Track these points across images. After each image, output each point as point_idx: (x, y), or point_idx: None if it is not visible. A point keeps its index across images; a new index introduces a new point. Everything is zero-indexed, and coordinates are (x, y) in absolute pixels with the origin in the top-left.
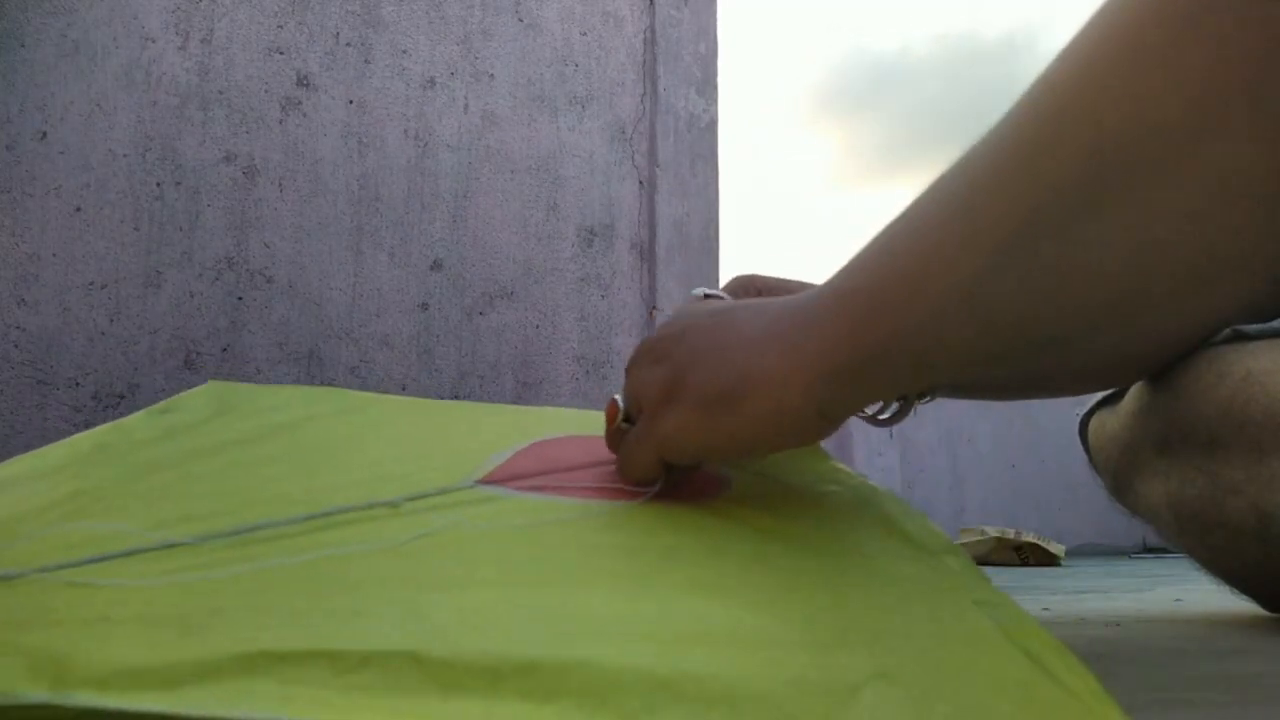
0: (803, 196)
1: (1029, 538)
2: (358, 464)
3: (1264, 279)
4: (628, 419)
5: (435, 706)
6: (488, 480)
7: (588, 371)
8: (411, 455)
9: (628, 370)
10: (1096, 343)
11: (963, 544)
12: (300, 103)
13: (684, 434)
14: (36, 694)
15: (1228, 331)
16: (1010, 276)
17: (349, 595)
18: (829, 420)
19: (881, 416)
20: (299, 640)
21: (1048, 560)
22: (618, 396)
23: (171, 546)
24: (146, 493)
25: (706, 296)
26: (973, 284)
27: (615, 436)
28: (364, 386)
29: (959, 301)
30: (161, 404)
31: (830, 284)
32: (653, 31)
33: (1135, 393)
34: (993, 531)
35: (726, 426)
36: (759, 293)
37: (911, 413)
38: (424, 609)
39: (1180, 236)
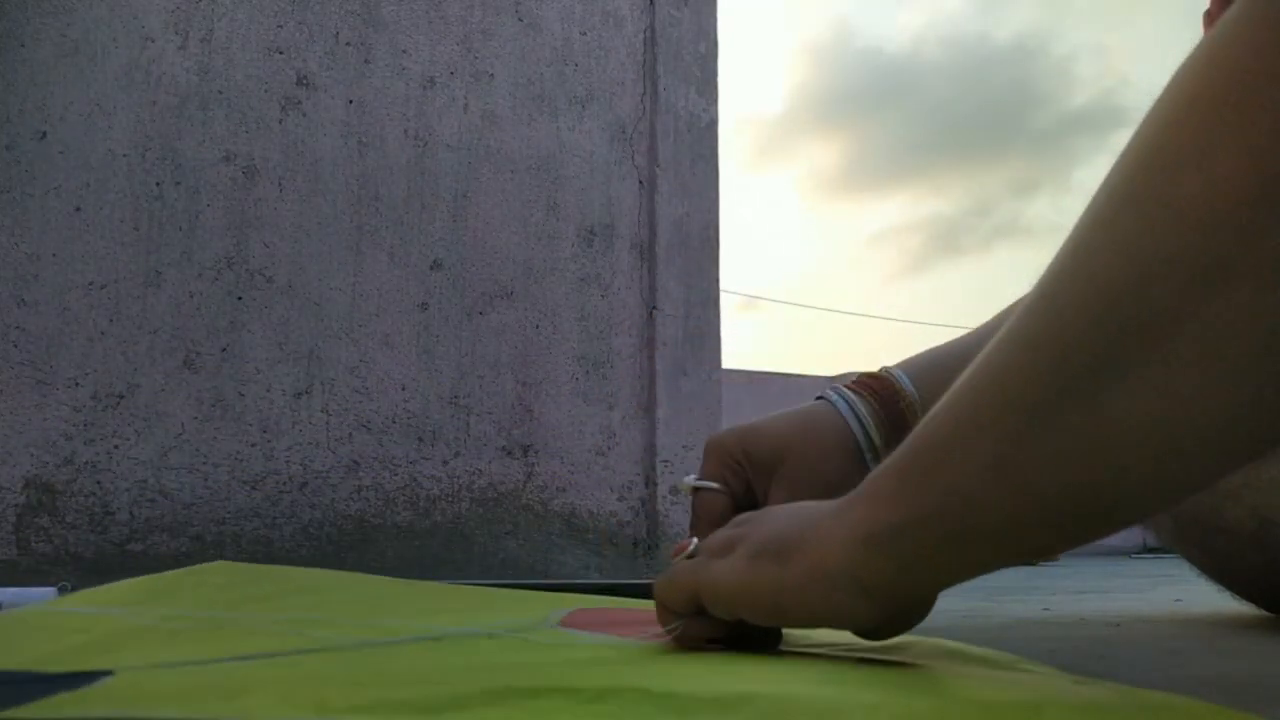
0: (808, 199)
1: None
2: (424, 610)
3: None
4: (691, 557)
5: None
6: (563, 625)
7: (588, 371)
8: (468, 609)
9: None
10: (1145, 506)
11: None
12: (300, 103)
13: (727, 576)
14: (303, 715)
15: None
16: (1041, 443)
17: (538, 663)
18: (871, 599)
19: None
20: (537, 680)
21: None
22: (695, 541)
23: (363, 646)
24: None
25: (696, 490)
26: (1002, 451)
27: (673, 564)
28: (364, 386)
29: (988, 468)
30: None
31: (886, 462)
32: (653, 31)
33: None
34: None
35: (767, 577)
36: (732, 452)
37: None
38: (618, 670)
39: (1202, 398)
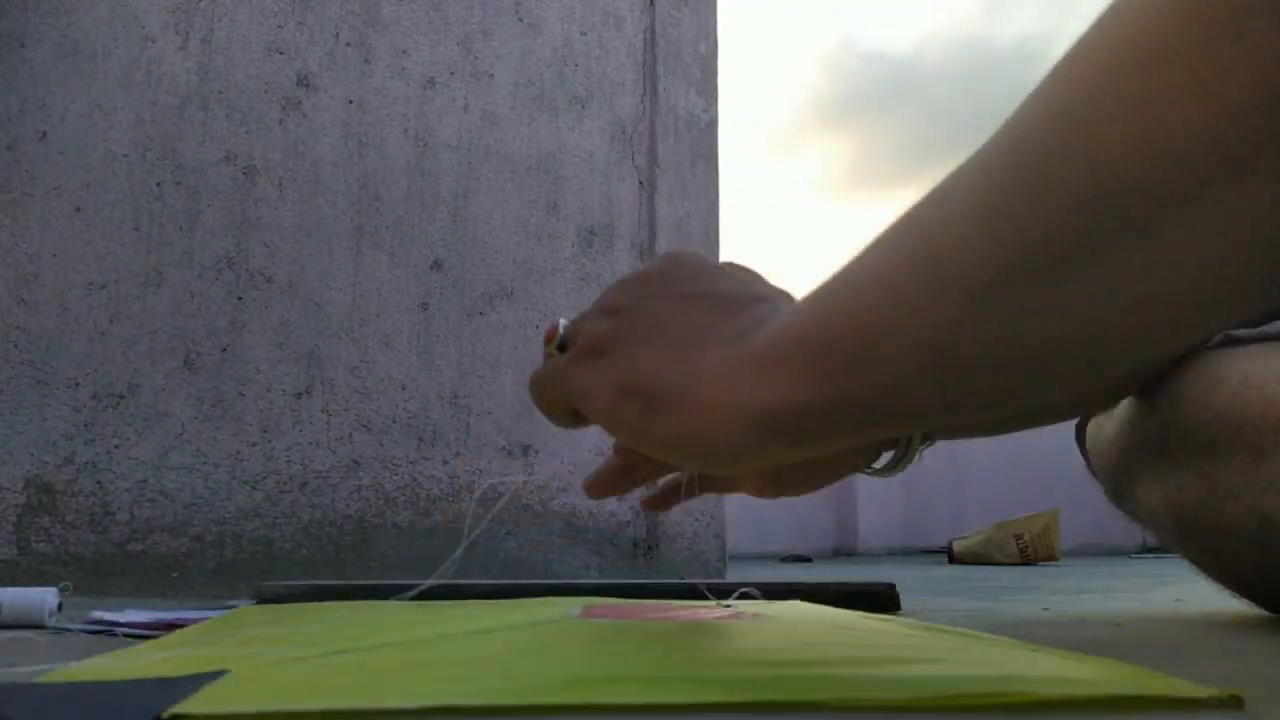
0: (811, 201)
1: (1024, 522)
2: (445, 621)
3: (1261, 308)
4: (562, 348)
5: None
6: (582, 616)
7: None
8: (490, 614)
9: (588, 309)
10: (1079, 386)
11: (963, 540)
12: (300, 103)
13: (592, 400)
14: (437, 701)
15: (1220, 336)
16: (984, 330)
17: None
18: (739, 465)
19: (876, 466)
20: (602, 669)
21: (1048, 555)
22: (563, 321)
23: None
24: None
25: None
26: (939, 338)
27: (546, 359)
28: (364, 386)
29: (922, 358)
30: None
31: (789, 317)
32: (653, 31)
33: (1131, 398)
34: (987, 527)
35: (631, 421)
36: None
37: (915, 460)
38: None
39: (1182, 285)
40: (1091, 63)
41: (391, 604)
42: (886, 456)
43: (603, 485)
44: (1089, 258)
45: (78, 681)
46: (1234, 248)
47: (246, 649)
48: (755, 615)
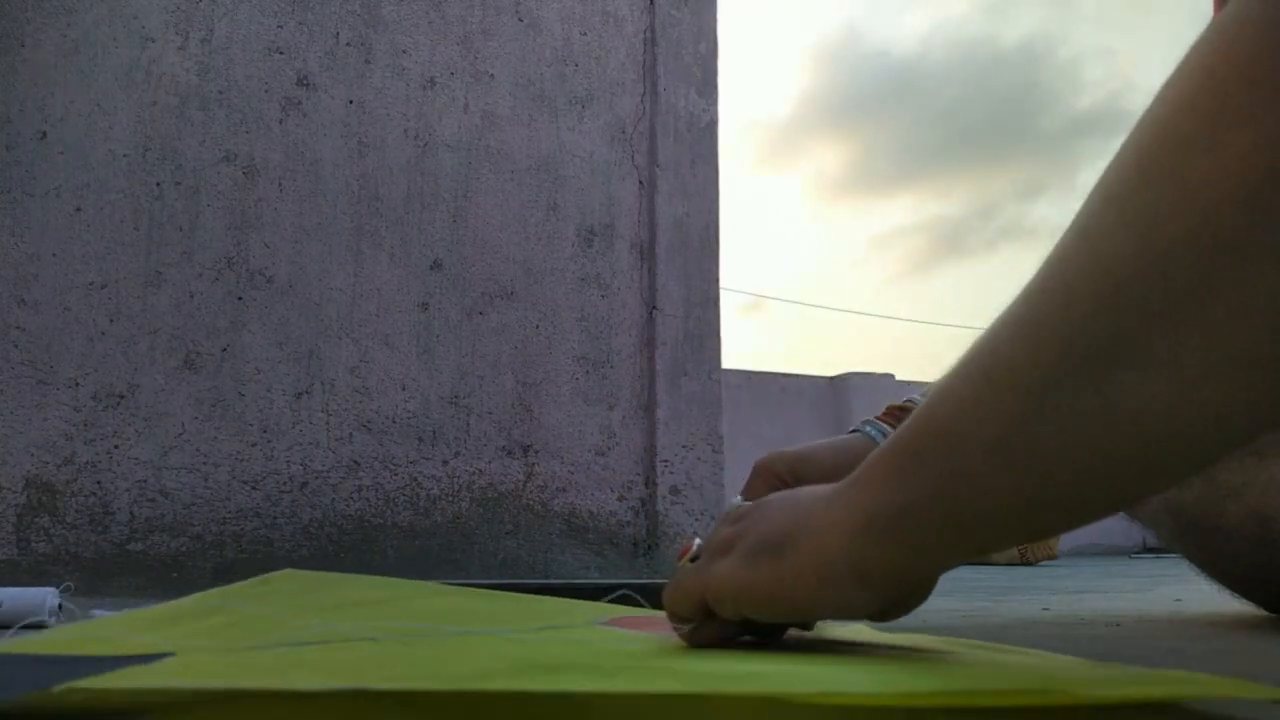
0: (814, 201)
1: None
2: (475, 615)
3: None
4: (695, 559)
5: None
6: (606, 624)
7: (588, 371)
8: (517, 615)
9: (716, 527)
10: (1150, 486)
11: None
12: (300, 103)
13: (728, 577)
14: (340, 685)
15: None
16: (1045, 424)
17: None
18: (869, 585)
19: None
20: (563, 659)
21: (1046, 554)
22: (698, 540)
23: (357, 640)
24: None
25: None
26: (1005, 432)
27: (677, 570)
28: (364, 386)
29: (991, 450)
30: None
31: (877, 450)
32: (653, 31)
33: None
34: None
35: (767, 574)
36: (782, 477)
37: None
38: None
39: (1221, 370)
40: (1102, 181)
41: (423, 590)
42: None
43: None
44: (1122, 355)
45: (12, 654)
46: (1254, 332)
47: (219, 632)
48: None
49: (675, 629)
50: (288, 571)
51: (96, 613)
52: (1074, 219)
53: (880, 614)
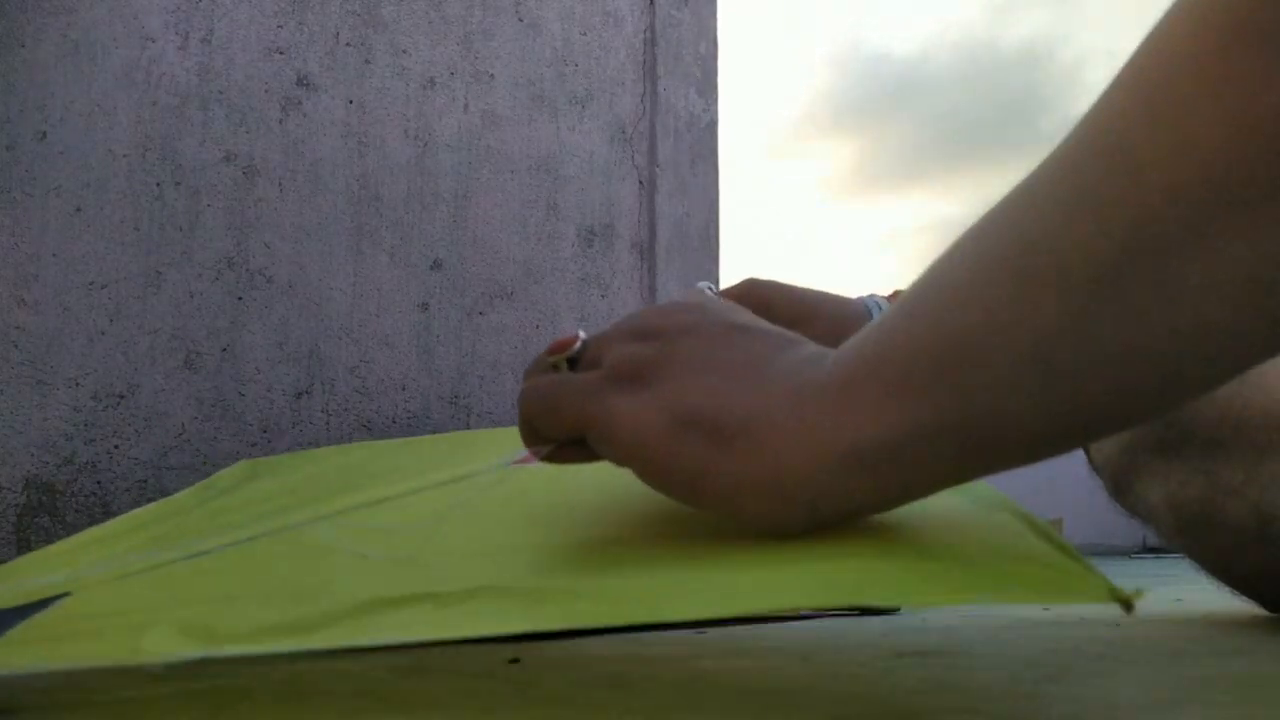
0: (818, 202)
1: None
2: (392, 472)
3: None
4: (572, 363)
5: (530, 613)
6: (518, 464)
7: None
8: (443, 459)
9: (616, 324)
10: (1194, 392)
11: None
12: (300, 103)
13: (632, 428)
14: (194, 652)
15: None
16: (1088, 330)
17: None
18: (816, 516)
19: None
20: (405, 588)
21: None
22: (581, 333)
23: (254, 539)
24: (217, 516)
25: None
26: (1045, 338)
27: (540, 367)
28: (364, 386)
29: (1026, 365)
30: (203, 482)
31: (864, 341)
32: (653, 31)
33: None
34: None
35: (693, 461)
36: (765, 303)
37: None
38: (499, 557)
39: None
40: (1175, 37)
41: (355, 449)
42: None
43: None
44: (1193, 247)
45: None
46: None
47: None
48: None
49: (528, 442)
50: (243, 463)
51: None
52: (1128, 83)
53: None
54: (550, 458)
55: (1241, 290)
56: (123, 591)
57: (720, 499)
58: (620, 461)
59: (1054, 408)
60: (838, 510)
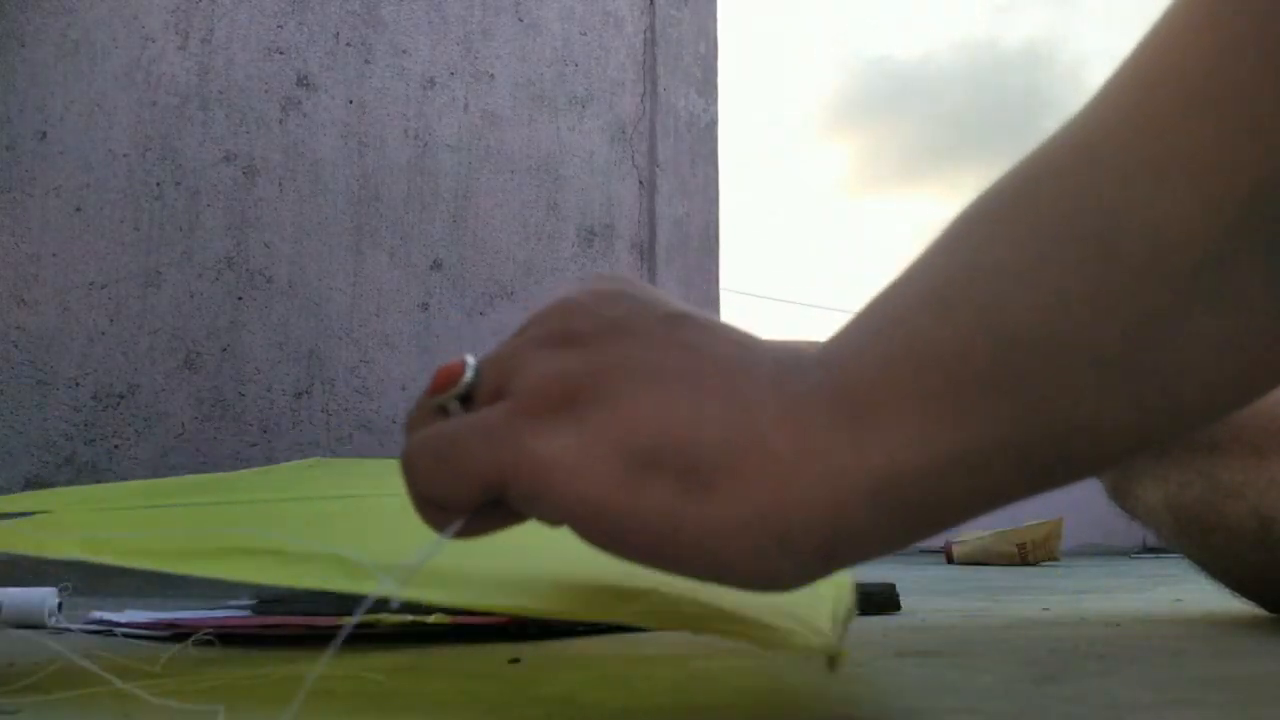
0: (821, 202)
1: (1027, 531)
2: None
3: None
4: (467, 399)
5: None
6: None
7: None
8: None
9: (517, 333)
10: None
11: (962, 544)
12: (300, 103)
13: (573, 479)
14: (73, 555)
15: None
16: (1193, 313)
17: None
18: (833, 560)
19: None
20: (268, 543)
21: (1049, 556)
22: (470, 359)
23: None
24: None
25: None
26: (1132, 332)
27: (423, 413)
28: (364, 386)
29: (1117, 363)
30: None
31: (864, 353)
32: (653, 31)
33: None
34: (987, 534)
35: (657, 509)
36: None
37: None
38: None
39: None
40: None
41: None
42: None
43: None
44: None
45: None
46: None
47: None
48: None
49: (426, 518)
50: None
51: (96, 613)
52: (1229, 44)
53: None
54: (464, 534)
55: None
56: (75, 517)
57: (699, 560)
58: (557, 521)
59: (1142, 415)
60: (856, 558)
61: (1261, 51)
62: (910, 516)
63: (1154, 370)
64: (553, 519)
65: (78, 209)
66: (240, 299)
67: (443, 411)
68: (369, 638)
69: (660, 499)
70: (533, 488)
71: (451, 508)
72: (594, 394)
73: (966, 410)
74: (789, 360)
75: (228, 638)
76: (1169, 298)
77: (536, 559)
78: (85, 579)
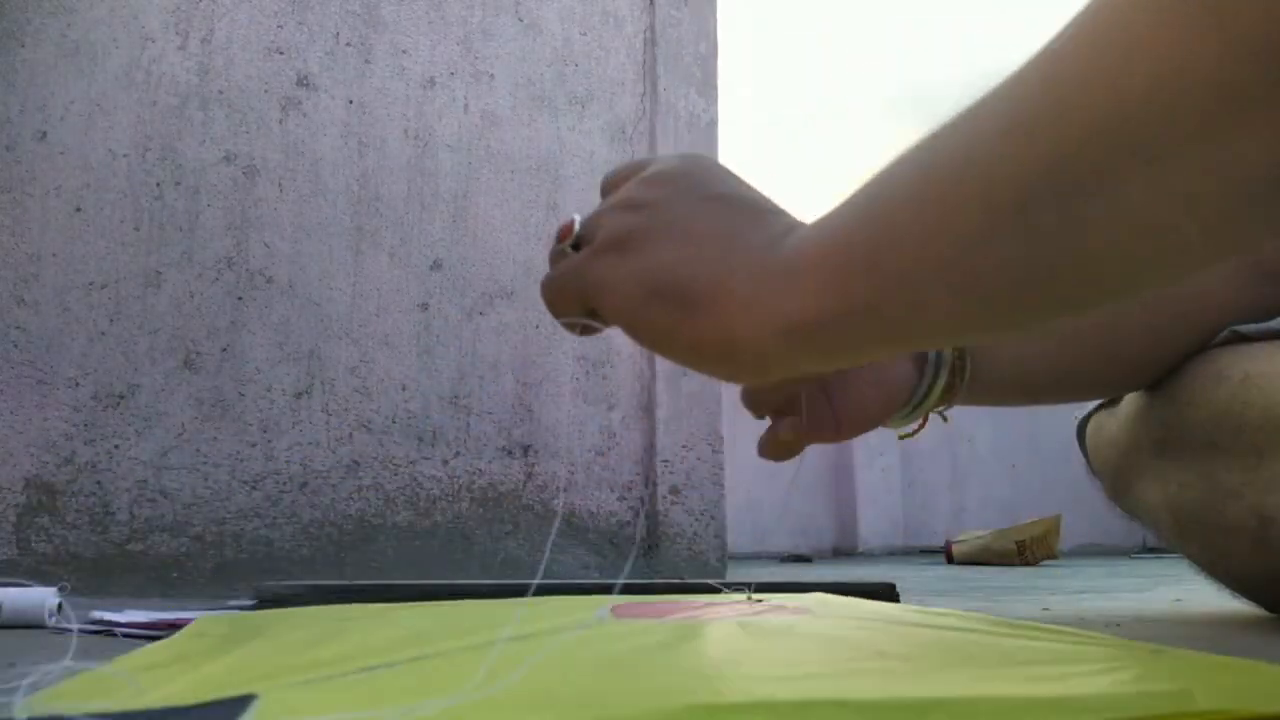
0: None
1: (1025, 528)
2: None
3: (1250, 274)
4: (576, 246)
5: None
6: (615, 616)
7: (588, 371)
8: (517, 619)
9: (603, 193)
10: (1084, 330)
11: (961, 544)
12: (300, 103)
13: (614, 296)
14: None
15: (1227, 332)
16: (1002, 246)
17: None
18: (765, 374)
19: (907, 430)
20: (729, 695)
21: (1048, 554)
22: (578, 216)
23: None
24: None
25: None
26: (961, 251)
27: (556, 256)
28: (364, 386)
29: (943, 271)
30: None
31: (818, 227)
32: (653, 31)
33: (1133, 396)
34: (986, 533)
35: (661, 323)
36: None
37: (943, 408)
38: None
39: (1178, 219)
40: (1103, 10)
41: (402, 609)
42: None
43: (776, 445)
44: (1106, 180)
45: (118, 713)
46: (1233, 185)
47: (263, 663)
48: (798, 609)
49: (556, 317)
50: (207, 618)
51: (96, 613)
52: (1075, 28)
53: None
54: (577, 330)
55: (1139, 230)
56: (310, 697)
57: (685, 358)
58: (612, 324)
59: (959, 313)
60: (784, 371)
61: None
62: (811, 348)
63: (976, 278)
64: (609, 322)
65: (78, 209)
66: (240, 299)
67: (563, 254)
68: None
69: (661, 316)
70: (595, 301)
71: (568, 317)
72: (636, 245)
73: (850, 281)
74: (781, 233)
75: None
76: (989, 226)
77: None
78: (85, 579)
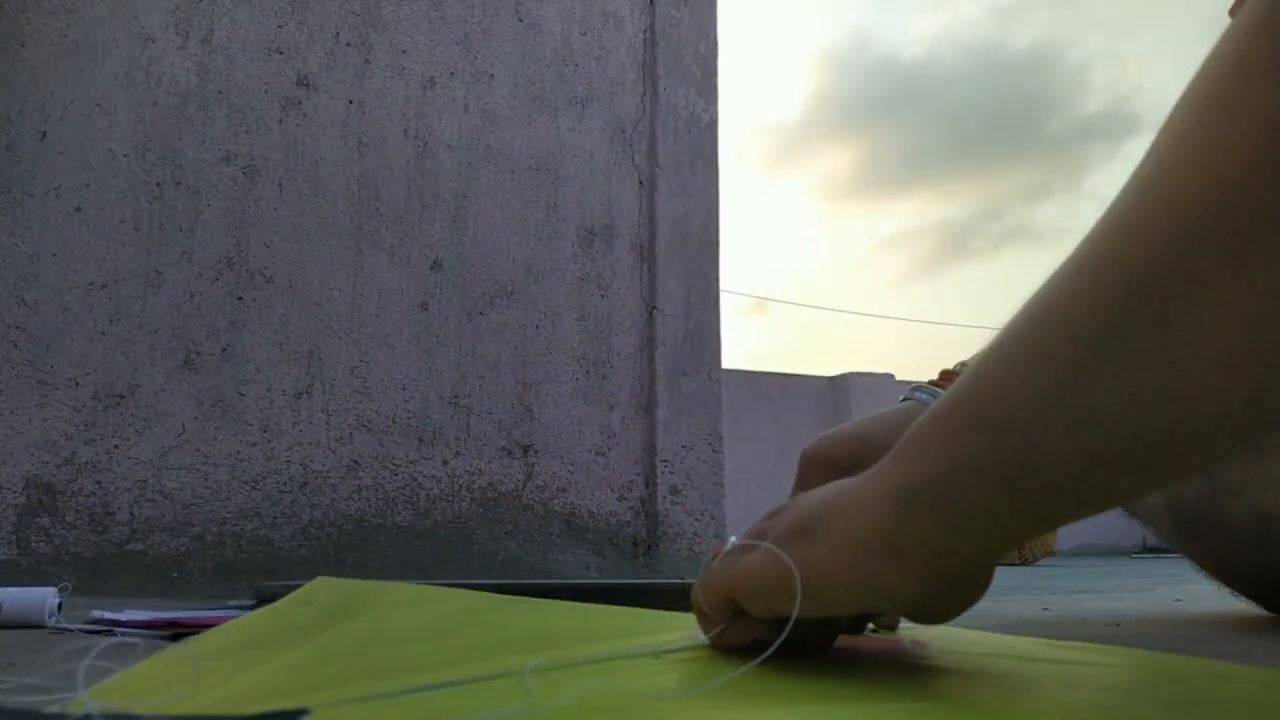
0: (821, 203)
1: None
2: (555, 635)
3: None
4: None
5: None
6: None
7: (588, 371)
8: (604, 634)
9: (762, 521)
10: (1219, 441)
11: None
12: (300, 103)
13: (756, 567)
14: None
15: None
16: (1108, 372)
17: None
18: (906, 566)
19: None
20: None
21: (1045, 552)
22: (733, 539)
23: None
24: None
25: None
26: (1064, 382)
27: (707, 569)
28: (364, 386)
29: (1049, 404)
30: (300, 594)
31: (923, 415)
32: (653, 31)
33: None
34: None
35: (795, 559)
36: (830, 460)
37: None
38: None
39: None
40: (1171, 115)
41: (468, 599)
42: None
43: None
44: (1186, 294)
45: (164, 716)
46: None
47: (319, 670)
48: (924, 644)
49: (703, 630)
50: (322, 581)
51: (96, 613)
52: (1142, 160)
53: (926, 607)
54: (719, 638)
55: (1234, 330)
56: (362, 716)
57: (826, 584)
58: (758, 604)
59: (1083, 451)
60: (922, 557)
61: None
62: (932, 514)
63: (1083, 413)
64: (757, 598)
65: (78, 209)
66: (240, 299)
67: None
68: None
69: (792, 550)
70: (740, 585)
71: (709, 617)
72: (769, 533)
73: (957, 437)
74: (860, 483)
75: None
76: (1082, 357)
77: None
78: (85, 579)
